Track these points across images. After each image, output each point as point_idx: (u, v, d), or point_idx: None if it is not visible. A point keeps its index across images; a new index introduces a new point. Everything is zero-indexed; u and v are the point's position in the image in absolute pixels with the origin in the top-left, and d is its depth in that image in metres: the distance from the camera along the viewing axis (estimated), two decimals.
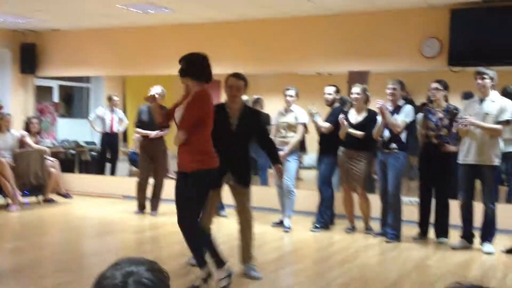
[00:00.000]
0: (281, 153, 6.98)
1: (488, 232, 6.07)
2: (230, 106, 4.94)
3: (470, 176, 6.08)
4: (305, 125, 7.23)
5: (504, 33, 7.17)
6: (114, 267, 1.43)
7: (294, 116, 7.09)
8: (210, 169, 4.44)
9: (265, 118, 8.63)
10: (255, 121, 5.13)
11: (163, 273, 1.47)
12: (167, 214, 7.58)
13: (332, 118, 6.96)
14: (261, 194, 7.90)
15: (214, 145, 4.51)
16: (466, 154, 6.03)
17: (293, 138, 7.04)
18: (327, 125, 6.96)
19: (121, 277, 1.40)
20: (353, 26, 8.10)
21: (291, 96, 7.09)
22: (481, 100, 6.00)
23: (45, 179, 8.53)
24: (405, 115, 6.40)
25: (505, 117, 5.88)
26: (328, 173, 7.13)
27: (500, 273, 5.31)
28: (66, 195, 8.86)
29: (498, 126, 5.88)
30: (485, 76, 5.94)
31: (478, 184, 6.17)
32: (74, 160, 10.55)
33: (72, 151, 10.54)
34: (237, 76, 4.92)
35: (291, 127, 7.08)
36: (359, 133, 6.67)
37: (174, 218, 4.44)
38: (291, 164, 7.06)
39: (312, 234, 6.90)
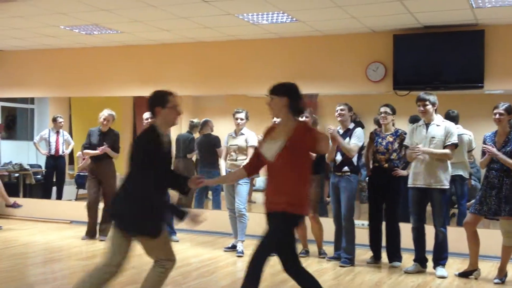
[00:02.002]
0: None
1: (441, 255, 6.10)
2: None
3: (420, 199, 6.12)
4: (255, 148, 7.22)
5: (445, 58, 7.36)
6: None
7: (244, 139, 7.09)
8: None
9: (215, 141, 8.64)
10: None
11: None
12: None
13: None
14: (213, 218, 7.86)
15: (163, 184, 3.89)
16: (416, 178, 6.09)
17: (244, 161, 7.02)
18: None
19: None
20: (301, 49, 8.19)
21: (241, 119, 7.09)
22: (427, 125, 6.14)
23: None
24: (357, 139, 6.47)
25: (453, 140, 6.01)
26: None
27: None
28: (14, 205, 8.61)
29: (447, 151, 5.99)
30: (427, 103, 6.06)
31: (429, 207, 6.18)
32: (18, 183, 10.25)
33: (16, 175, 10.24)
34: None
35: (241, 150, 7.06)
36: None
37: None
38: (242, 187, 7.03)
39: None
